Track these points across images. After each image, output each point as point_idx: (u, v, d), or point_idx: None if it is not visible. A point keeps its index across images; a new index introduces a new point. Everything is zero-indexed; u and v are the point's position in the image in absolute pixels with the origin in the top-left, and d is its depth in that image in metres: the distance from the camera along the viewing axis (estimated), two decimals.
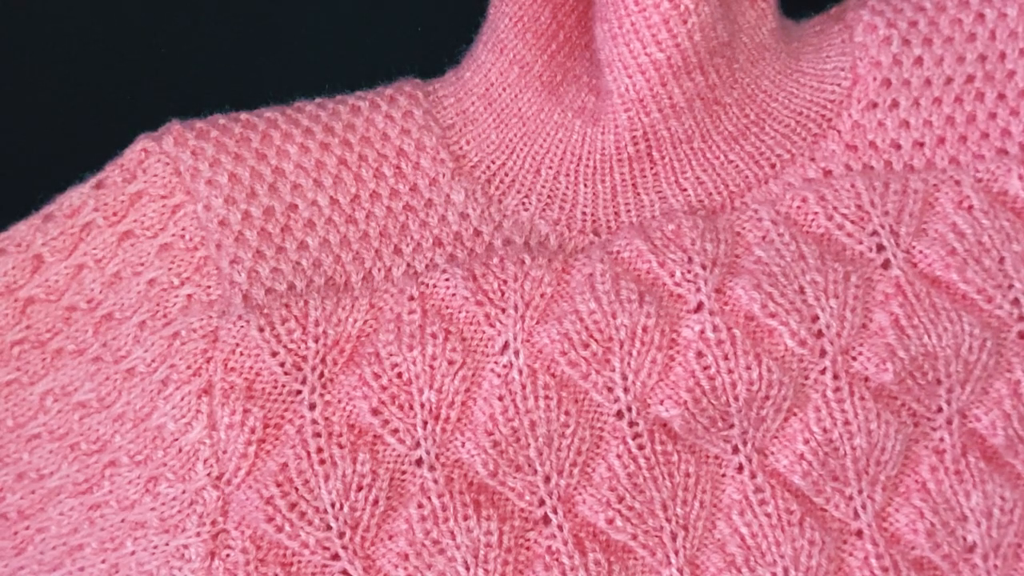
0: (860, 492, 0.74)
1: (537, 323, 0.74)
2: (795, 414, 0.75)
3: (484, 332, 0.74)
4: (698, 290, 0.75)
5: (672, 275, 0.75)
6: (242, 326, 0.73)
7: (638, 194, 0.78)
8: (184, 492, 0.73)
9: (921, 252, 0.77)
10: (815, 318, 0.75)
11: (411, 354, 0.73)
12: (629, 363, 0.74)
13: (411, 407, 0.73)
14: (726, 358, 0.74)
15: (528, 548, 0.73)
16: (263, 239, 0.75)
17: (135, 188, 0.76)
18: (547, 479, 0.73)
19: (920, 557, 0.75)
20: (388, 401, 0.73)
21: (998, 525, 0.75)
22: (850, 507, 0.75)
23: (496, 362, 0.74)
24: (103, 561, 0.74)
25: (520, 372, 0.74)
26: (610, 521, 0.73)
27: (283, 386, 0.73)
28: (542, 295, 0.75)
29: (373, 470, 0.73)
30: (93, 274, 0.76)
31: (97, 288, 0.76)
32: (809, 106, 0.79)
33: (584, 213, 0.78)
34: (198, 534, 0.72)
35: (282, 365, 0.73)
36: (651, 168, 0.78)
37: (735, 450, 0.75)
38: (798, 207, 0.77)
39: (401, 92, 0.78)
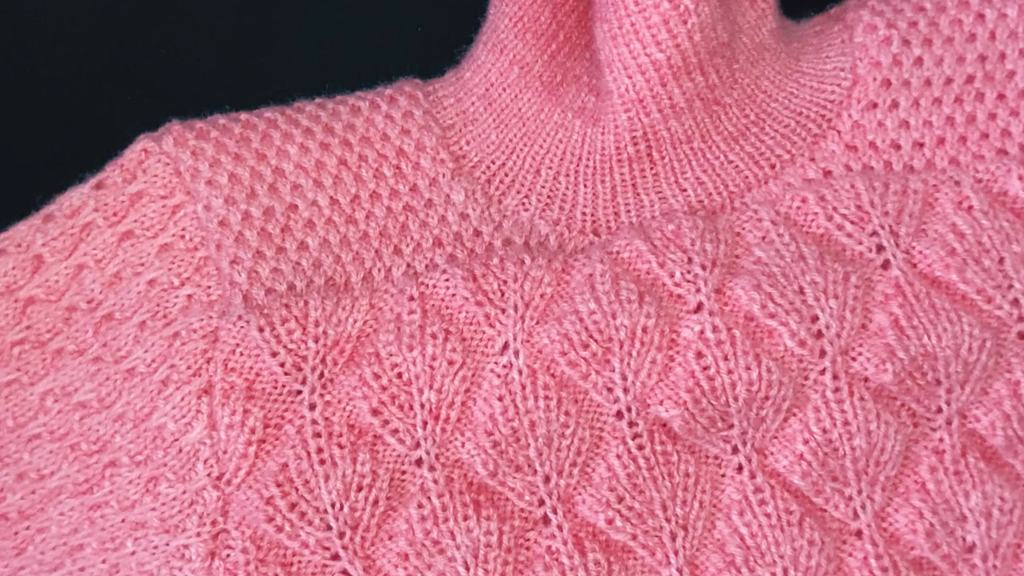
0: (859, 492, 0.74)
1: (537, 323, 0.74)
2: (795, 414, 0.75)
3: (484, 332, 0.74)
4: (698, 290, 0.75)
5: (672, 275, 0.75)
6: (242, 326, 0.73)
7: (638, 194, 0.78)
8: (184, 492, 0.73)
9: (921, 252, 0.77)
10: (815, 318, 0.75)
11: (411, 354, 0.73)
12: (629, 363, 0.74)
13: (411, 407, 0.73)
14: (726, 358, 0.74)
15: (528, 548, 0.73)
16: (263, 239, 0.75)
17: (135, 188, 0.76)
18: (547, 479, 0.73)
19: (919, 557, 0.75)
20: (388, 401, 0.73)
21: (997, 525, 0.75)
22: (849, 507, 0.75)
23: (496, 362, 0.74)
24: (103, 561, 0.74)
25: (520, 372, 0.74)
26: (610, 521, 0.73)
27: (283, 386, 0.73)
28: (542, 295, 0.75)
29: (373, 470, 0.73)
30: (93, 274, 0.76)
31: (97, 288, 0.76)
32: (809, 106, 0.79)
33: (584, 213, 0.78)
34: (198, 534, 0.72)
35: (282, 365, 0.73)
36: (651, 168, 0.77)
37: (735, 450, 0.75)
38: (798, 207, 0.77)
39: (401, 92, 0.78)
